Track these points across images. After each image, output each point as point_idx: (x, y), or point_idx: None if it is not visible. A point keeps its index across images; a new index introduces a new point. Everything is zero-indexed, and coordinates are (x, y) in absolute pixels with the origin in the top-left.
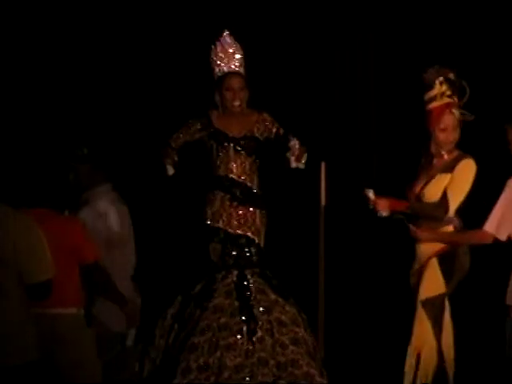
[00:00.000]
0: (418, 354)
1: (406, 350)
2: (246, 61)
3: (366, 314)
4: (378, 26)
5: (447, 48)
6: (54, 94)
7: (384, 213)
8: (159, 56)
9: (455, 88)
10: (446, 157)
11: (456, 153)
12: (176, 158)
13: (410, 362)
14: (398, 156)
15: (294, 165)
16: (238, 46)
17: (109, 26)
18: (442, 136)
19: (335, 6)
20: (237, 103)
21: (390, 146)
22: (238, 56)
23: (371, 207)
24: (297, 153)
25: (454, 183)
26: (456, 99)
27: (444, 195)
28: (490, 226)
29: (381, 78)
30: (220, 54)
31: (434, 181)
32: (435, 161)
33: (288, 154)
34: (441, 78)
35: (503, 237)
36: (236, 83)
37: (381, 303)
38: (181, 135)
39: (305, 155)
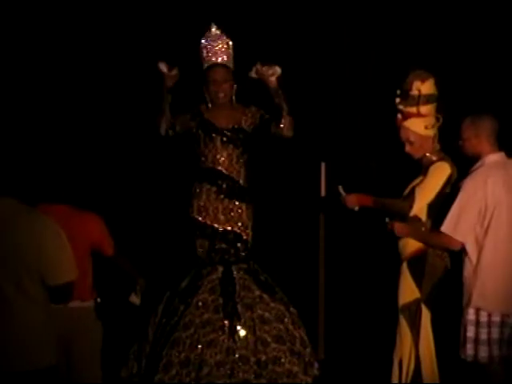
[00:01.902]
0: (400, 360)
1: None
2: (246, 62)
3: (365, 314)
4: (379, 28)
5: (446, 51)
6: (71, 91)
7: (355, 208)
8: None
9: (412, 98)
10: (427, 159)
11: (436, 157)
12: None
13: (394, 370)
14: (398, 157)
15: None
16: (225, 38)
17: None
18: (406, 148)
19: (336, 6)
20: (221, 95)
21: (389, 147)
22: (223, 48)
23: (342, 202)
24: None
25: (423, 182)
26: (414, 109)
27: (411, 192)
28: (446, 228)
29: (381, 78)
30: (206, 48)
31: (412, 183)
32: (422, 164)
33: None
34: (398, 91)
35: (461, 237)
36: (219, 75)
37: (381, 303)
38: (176, 120)
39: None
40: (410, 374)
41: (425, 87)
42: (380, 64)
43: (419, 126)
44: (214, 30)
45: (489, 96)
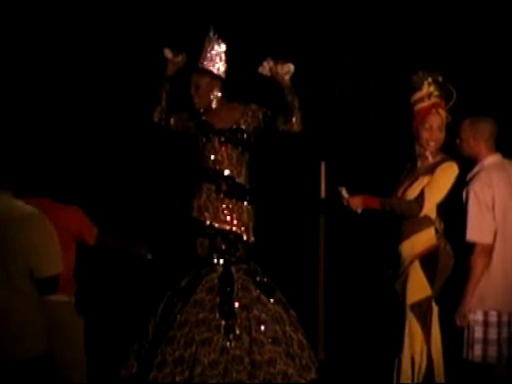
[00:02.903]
0: (412, 359)
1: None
2: (247, 61)
3: (365, 314)
4: (380, 29)
5: (447, 52)
6: (51, 89)
7: (358, 210)
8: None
9: (443, 90)
10: (430, 159)
11: (440, 156)
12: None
13: (405, 369)
14: (398, 156)
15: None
16: (216, 43)
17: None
18: (426, 135)
19: (336, 5)
20: (195, 100)
21: (389, 146)
22: (210, 53)
23: (345, 204)
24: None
25: (432, 183)
26: (443, 101)
27: (421, 193)
28: (472, 236)
29: (380, 77)
30: (203, 51)
31: (416, 183)
32: (419, 163)
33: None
34: (429, 80)
35: (489, 239)
36: (194, 80)
37: (381, 303)
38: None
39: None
40: (422, 373)
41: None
42: (381, 64)
43: (446, 117)
44: (210, 33)
45: (486, 98)
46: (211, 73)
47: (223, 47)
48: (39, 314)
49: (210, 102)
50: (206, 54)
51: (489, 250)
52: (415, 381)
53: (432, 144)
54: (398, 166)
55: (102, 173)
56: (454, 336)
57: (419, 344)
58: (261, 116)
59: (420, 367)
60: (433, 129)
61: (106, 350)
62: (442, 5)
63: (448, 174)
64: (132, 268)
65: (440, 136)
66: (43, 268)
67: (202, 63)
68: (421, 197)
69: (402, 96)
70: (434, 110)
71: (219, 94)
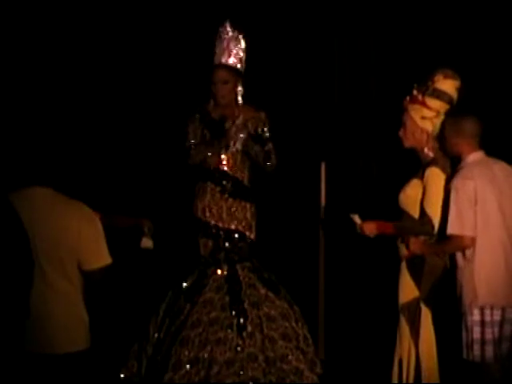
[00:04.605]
0: (400, 360)
1: None
2: (246, 60)
3: (365, 314)
4: (380, 28)
5: (446, 52)
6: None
7: (371, 235)
8: (156, 52)
9: (425, 86)
10: (422, 157)
11: (433, 154)
12: None
13: (393, 369)
14: (398, 156)
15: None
16: (237, 36)
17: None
18: (399, 131)
19: (337, 4)
20: (219, 96)
21: (389, 146)
22: (231, 49)
23: (358, 231)
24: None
25: (427, 197)
26: (420, 97)
27: (423, 212)
28: (453, 229)
29: (381, 77)
30: (218, 45)
31: (408, 185)
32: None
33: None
34: (454, 81)
35: (470, 232)
36: (220, 76)
37: (381, 302)
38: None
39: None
40: (412, 373)
41: (442, 83)
42: (381, 64)
43: (418, 113)
44: (226, 28)
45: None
46: (236, 68)
47: (243, 43)
48: (86, 310)
49: (235, 97)
50: (229, 50)
51: (469, 246)
52: (404, 381)
53: (403, 140)
54: (399, 166)
55: (103, 173)
56: (453, 337)
57: (407, 345)
58: (259, 130)
59: (408, 368)
60: (402, 126)
61: (107, 351)
62: (441, 5)
63: (436, 183)
64: (132, 268)
65: (406, 133)
66: (93, 260)
67: (226, 59)
68: (425, 216)
69: (403, 96)
70: (405, 106)
71: (242, 90)
